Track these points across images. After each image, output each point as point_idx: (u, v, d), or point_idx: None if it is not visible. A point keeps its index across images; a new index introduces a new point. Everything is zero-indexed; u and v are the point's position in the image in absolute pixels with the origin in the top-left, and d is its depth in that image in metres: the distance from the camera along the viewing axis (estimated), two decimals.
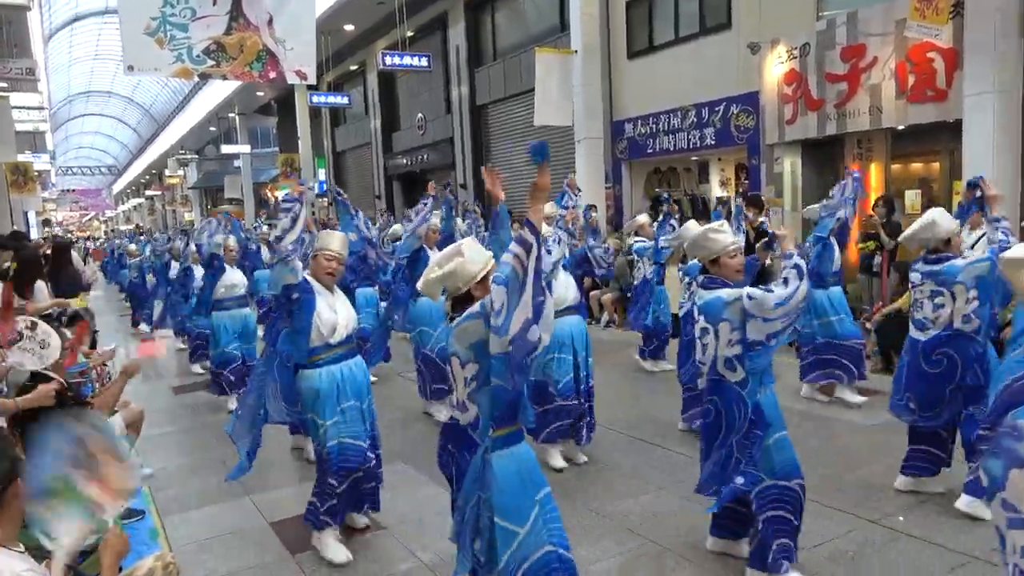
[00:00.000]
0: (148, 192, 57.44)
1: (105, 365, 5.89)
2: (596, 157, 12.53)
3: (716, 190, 12.92)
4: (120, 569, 2.64)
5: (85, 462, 2.23)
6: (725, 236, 3.23)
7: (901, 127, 8.84)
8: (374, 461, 3.88)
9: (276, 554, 3.81)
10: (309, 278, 3.69)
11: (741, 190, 11.88)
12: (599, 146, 12.57)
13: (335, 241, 3.81)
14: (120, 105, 48.84)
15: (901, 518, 3.80)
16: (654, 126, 12.24)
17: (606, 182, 12.89)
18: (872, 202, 8.53)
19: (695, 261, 3.91)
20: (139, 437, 5.04)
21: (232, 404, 6.47)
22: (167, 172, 45.52)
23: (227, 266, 6.73)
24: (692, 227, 5.29)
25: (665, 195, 6.88)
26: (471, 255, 2.56)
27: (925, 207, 9.30)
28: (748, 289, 3.05)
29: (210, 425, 6.34)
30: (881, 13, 8.52)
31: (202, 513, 4.39)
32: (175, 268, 9.46)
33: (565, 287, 4.79)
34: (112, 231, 59.91)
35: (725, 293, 3.09)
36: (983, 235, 6.25)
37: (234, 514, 4.36)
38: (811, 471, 3.44)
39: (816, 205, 5.83)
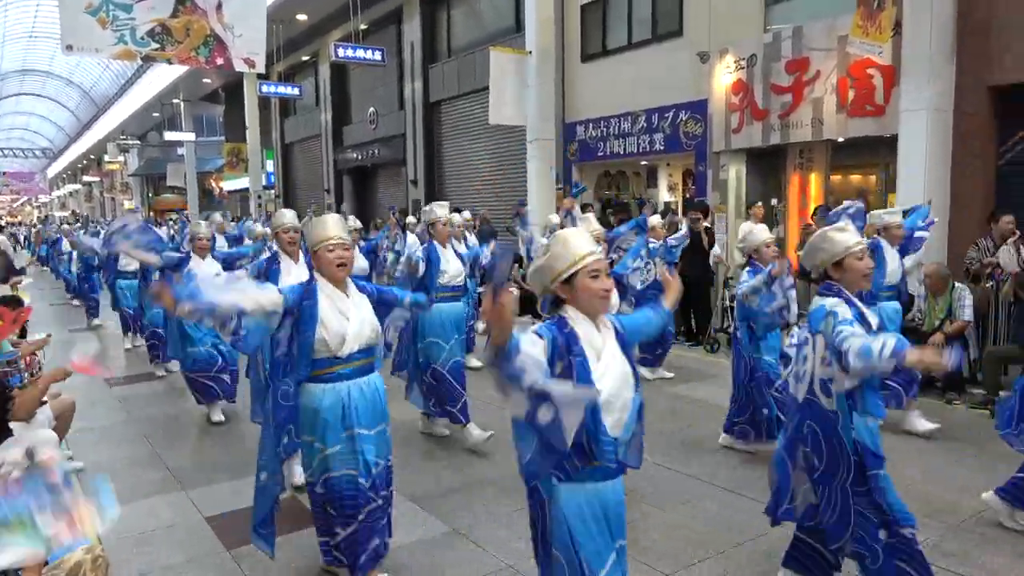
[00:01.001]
0: (86, 178, 55.45)
1: (35, 355, 5.68)
2: (548, 158, 12.61)
3: (664, 195, 13.15)
4: (47, 562, 2.56)
5: (57, 508, 2.21)
6: (849, 236, 2.78)
7: (841, 139, 9.15)
8: (379, 503, 3.17)
9: (210, 548, 3.74)
10: (316, 279, 3.10)
11: (688, 195, 12.14)
12: (551, 147, 12.66)
13: (336, 227, 3.13)
14: (58, 86, 47.05)
15: None
16: (605, 129, 12.39)
17: (557, 183, 12.98)
18: (811, 211, 8.83)
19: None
20: (70, 429, 4.90)
21: (216, 415, 5.92)
22: (107, 157, 44.02)
23: (196, 256, 5.89)
24: (751, 229, 5.09)
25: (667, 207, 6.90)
26: (556, 248, 2.18)
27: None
28: (842, 311, 2.64)
29: (145, 418, 6.18)
30: (825, 29, 8.81)
31: (136, 507, 4.27)
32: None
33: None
34: (46, 217, 57.60)
35: (829, 302, 2.70)
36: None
37: (169, 509, 4.25)
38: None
39: (881, 211, 5.57)
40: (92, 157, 51.67)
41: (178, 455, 5.19)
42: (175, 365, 7.56)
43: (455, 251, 5.47)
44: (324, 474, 3.08)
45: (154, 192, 44.91)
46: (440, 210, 5.33)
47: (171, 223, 15.92)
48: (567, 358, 2.09)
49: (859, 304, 2.78)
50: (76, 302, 13.39)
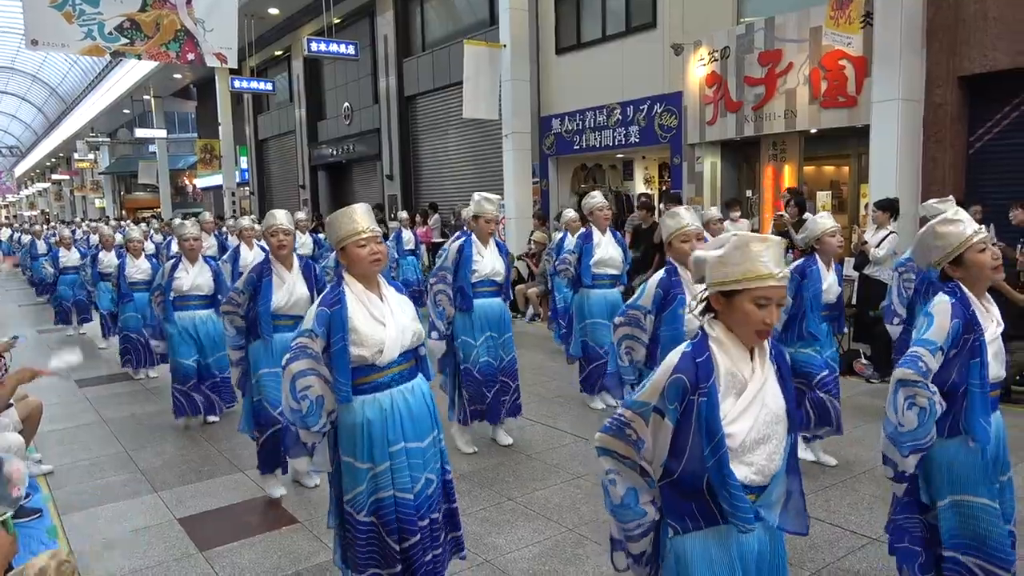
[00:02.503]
0: (55, 176, 54.47)
1: (2, 357, 5.55)
2: (523, 152, 12.59)
3: (640, 187, 13.18)
4: (10, 567, 2.49)
5: None
6: (964, 226, 2.45)
7: (814, 131, 9.21)
8: (439, 520, 2.81)
9: (183, 551, 3.67)
10: (345, 281, 2.70)
11: (664, 188, 12.18)
12: (526, 141, 12.64)
13: (365, 218, 2.71)
14: (24, 83, 46.09)
15: None
16: (581, 123, 12.38)
17: (533, 177, 12.96)
18: (784, 201, 8.87)
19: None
20: (37, 432, 4.80)
21: (182, 422, 5.66)
22: (76, 155, 43.24)
23: (186, 261, 5.57)
24: (820, 220, 4.42)
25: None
26: (734, 253, 1.83)
27: (836, 208, 9.79)
28: (940, 321, 2.40)
29: (115, 419, 6.06)
30: (796, 21, 8.85)
31: (105, 510, 4.18)
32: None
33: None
34: (14, 217, 56.47)
35: (939, 306, 2.42)
36: (889, 233, 6.62)
37: (140, 511, 4.17)
38: None
39: (934, 201, 4.98)
40: (61, 155, 50.76)
41: (149, 456, 5.10)
42: (155, 371, 7.49)
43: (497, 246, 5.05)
44: (374, 496, 2.67)
45: (126, 190, 44.23)
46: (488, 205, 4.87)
47: (152, 228, 15.55)
48: (689, 398, 1.77)
49: (979, 305, 2.45)
50: (43, 300, 13.17)
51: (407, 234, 11.14)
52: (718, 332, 1.83)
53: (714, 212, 6.65)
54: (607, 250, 5.74)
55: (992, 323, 2.44)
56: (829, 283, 4.31)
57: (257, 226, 7.51)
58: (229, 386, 5.51)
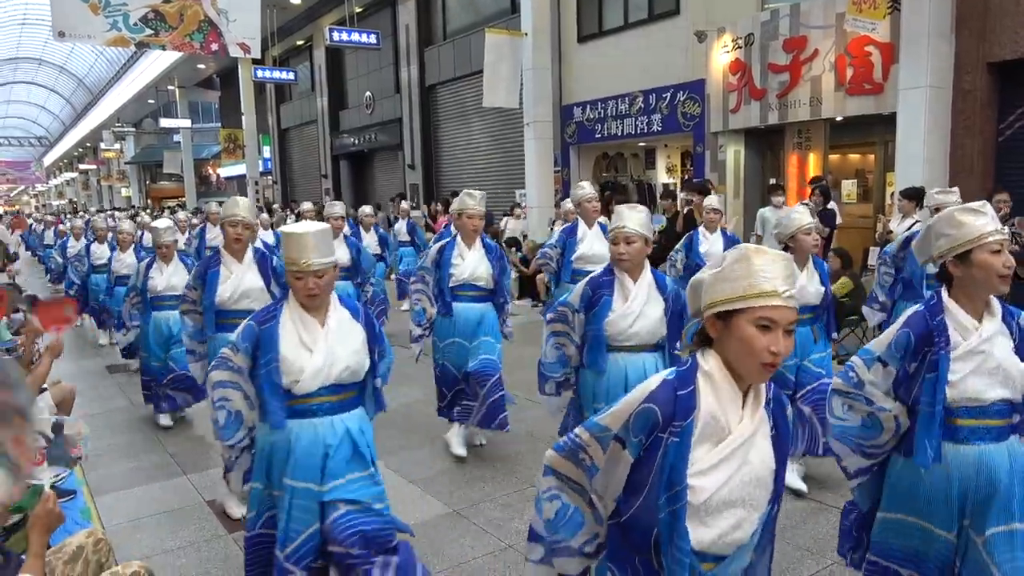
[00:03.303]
0: (82, 166, 55.24)
1: (34, 343, 5.68)
2: (545, 140, 12.57)
3: (663, 176, 13.11)
4: (48, 546, 2.57)
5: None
6: (986, 220, 2.11)
7: (839, 118, 9.11)
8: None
9: (212, 532, 3.76)
10: (287, 299, 2.59)
11: (686, 176, 12.11)
12: (548, 129, 12.61)
13: (312, 249, 2.48)
14: (52, 74, 46.76)
15: None
16: (602, 111, 12.32)
17: (555, 166, 12.94)
18: (809, 191, 8.79)
19: None
20: (70, 415, 4.91)
21: (164, 420, 5.47)
22: (103, 145, 43.83)
23: (231, 259, 5.05)
24: (796, 216, 3.90)
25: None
26: (735, 268, 1.55)
27: (861, 197, 9.68)
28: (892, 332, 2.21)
29: (144, 405, 6.18)
30: (822, 6, 8.74)
31: (136, 492, 4.29)
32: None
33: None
34: (44, 206, 57.43)
35: (903, 315, 2.23)
36: (915, 222, 6.55)
37: (169, 493, 4.27)
38: None
39: (936, 191, 5.01)
40: (88, 145, 51.45)
41: (177, 440, 5.21)
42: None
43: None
44: (268, 512, 2.60)
45: (151, 180, 44.76)
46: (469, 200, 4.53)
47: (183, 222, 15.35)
48: (658, 435, 1.51)
49: (961, 314, 2.14)
50: (60, 287, 13.37)
51: (400, 224, 10.46)
52: (711, 365, 1.54)
53: (713, 200, 6.25)
54: (592, 245, 5.33)
55: (975, 336, 2.11)
56: (802, 284, 3.85)
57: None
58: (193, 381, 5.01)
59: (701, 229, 6.04)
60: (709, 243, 5.88)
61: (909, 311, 2.22)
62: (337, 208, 7.13)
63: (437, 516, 3.85)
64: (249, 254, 4.07)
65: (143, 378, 5.60)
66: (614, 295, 3.15)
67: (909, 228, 6.53)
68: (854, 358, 2.27)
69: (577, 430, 1.67)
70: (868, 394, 2.22)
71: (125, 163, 44.24)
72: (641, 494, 1.55)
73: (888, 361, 2.18)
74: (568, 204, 7.36)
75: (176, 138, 34.17)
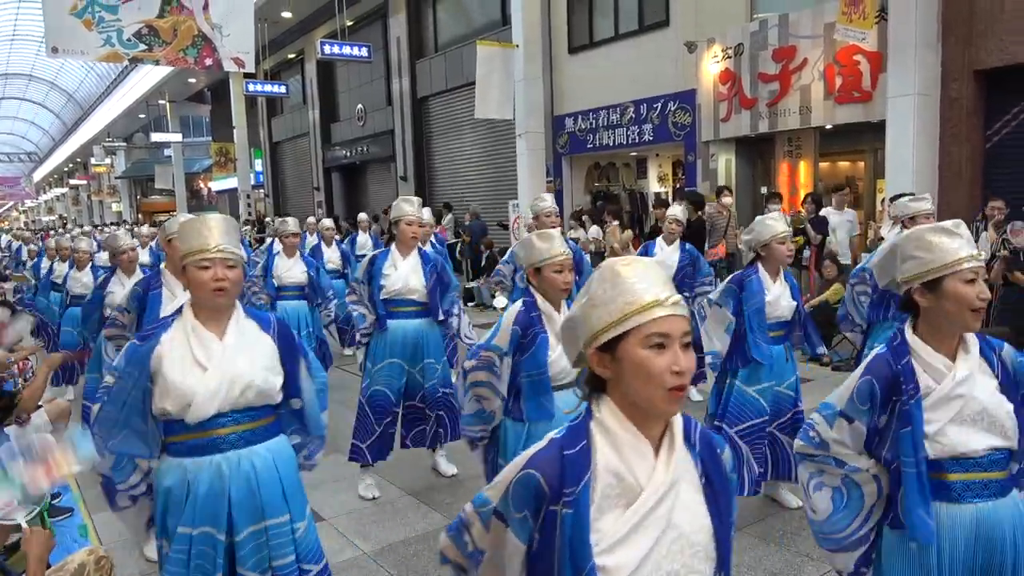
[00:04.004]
0: (72, 181, 55.04)
1: (27, 360, 5.66)
2: (537, 151, 12.63)
3: (654, 185, 13.18)
4: (49, 565, 2.57)
5: (30, 457, 2.23)
6: (961, 244, 1.82)
7: (829, 126, 9.19)
8: None
9: None
10: (182, 310, 2.19)
11: (678, 185, 12.19)
12: (540, 140, 12.67)
13: (219, 233, 2.14)
14: (42, 89, 46.72)
15: None
16: (594, 121, 12.40)
17: (547, 176, 13.00)
18: (801, 199, 8.87)
19: None
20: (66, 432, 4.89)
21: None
22: (93, 160, 43.69)
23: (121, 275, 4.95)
24: (770, 223, 3.67)
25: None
26: (599, 289, 1.32)
27: (851, 204, 9.77)
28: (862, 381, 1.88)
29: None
30: (810, 16, 8.84)
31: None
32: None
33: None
34: (33, 222, 57.19)
35: (867, 359, 1.96)
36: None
37: None
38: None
39: (907, 199, 4.52)
40: (78, 160, 51.31)
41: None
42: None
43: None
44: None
45: (142, 194, 44.66)
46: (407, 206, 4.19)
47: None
48: (549, 508, 1.21)
49: (931, 355, 1.83)
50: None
51: (363, 237, 9.80)
52: (604, 412, 1.25)
53: (677, 211, 5.92)
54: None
55: (948, 379, 1.80)
56: (775, 295, 3.62)
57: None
58: None
59: (659, 240, 5.75)
60: (664, 255, 5.57)
61: (869, 357, 1.92)
62: (290, 224, 6.39)
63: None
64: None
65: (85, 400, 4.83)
66: (547, 331, 2.73)
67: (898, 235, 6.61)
68: (813, 414, 1.98)
69: (466, 505, 1.39)
70: (836, 454, 1.91)
71: (116, 178, 44.14)
72: None
73: (853, 416, 1.87)
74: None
75: (167, 152, 34.13)
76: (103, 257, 9.13)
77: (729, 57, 9.88)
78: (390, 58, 18.21)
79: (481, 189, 15.85)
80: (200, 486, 2.11)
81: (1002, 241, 6.28)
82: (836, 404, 1.91)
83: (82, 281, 6.76)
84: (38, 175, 65.09)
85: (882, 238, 6.72)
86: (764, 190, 10.46)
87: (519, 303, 2.79)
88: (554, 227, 5.07)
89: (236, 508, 2.14)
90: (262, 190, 27.10)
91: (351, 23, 18.17)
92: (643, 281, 1.23)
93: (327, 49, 15.18)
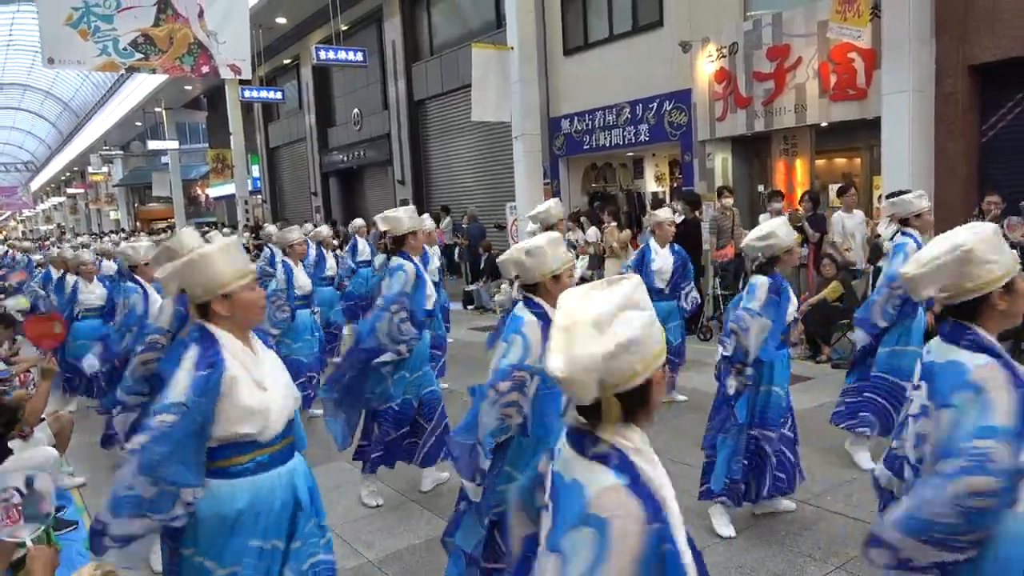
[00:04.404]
0: (70, 190, 55.08)
1: (29, 372, 5.68)
2: (534, 153, 12.64)
3: (651, 185, 13.20)
4: None
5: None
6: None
7: (824, 124, 9.21)
8: None
9: None
10: (216, 337, 2.18)
11: (675, 185, 12.20)
12: (536, 142, 12.69)
13: (242, 258, 2.25)
14: (37, 99, 46.70)
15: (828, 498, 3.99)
16: (590, 122, 12.42)
17: (544, 178, 13.01)
18: (798, 197, 8.89)
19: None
20: (69, 445, 4.90)
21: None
22: (90, 169, 43.74)
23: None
24: (771, 229, 3.68)
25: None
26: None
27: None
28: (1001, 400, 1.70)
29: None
30: (804, 15, 8.85)
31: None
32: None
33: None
34: (31, 231, 57.19)
35: (977, 367, 1.77)
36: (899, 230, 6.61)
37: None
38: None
39: (911, 196, 4.57)
40: (76, 169, 51.33)
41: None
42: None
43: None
44: None
45: (140, 202, 44.67)
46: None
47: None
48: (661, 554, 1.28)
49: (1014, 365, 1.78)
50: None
51: (362, 243, 9.61)
52: (634, 439, 1.37)
53: (664, 214, 5.88)
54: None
55: None
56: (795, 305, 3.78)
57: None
58: None
59: (652, 243, 5.66)
60: (660, 258, 5.62)
61: (984, 370, 1.76)
62: (296, 233, 6.46)
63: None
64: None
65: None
66: None
67: (894, 234, 6.62)
68: (978, 442, 1.66)
69: None
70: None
71: (113, 186, 44.15)
72: None
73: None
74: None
75: (164, 159, 34.15)
76: (111, 266, 9.16)
77: (724, 56, 9.90)
78: (385, 62, 18.23)
79: (478, 191, 15.87)
80: (276, 501, 2.19)
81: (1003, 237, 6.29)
82: (1002, 424, 1.67)
83: (96, 293, 6.73)
84: (35, 184, 65.08)
85: (879, 235, 6.75)
86: (761, 188, 10.48)
87: (531, 317, 2.63)
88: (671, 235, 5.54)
89: (301, 515, 2.25)
90: (260, 196, 27.11)
91: (346, 28, 18.19)
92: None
93: (322, 55, 15.21)
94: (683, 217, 8.42)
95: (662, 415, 5.55)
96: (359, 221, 10.50)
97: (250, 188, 26.05)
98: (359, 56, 15.79)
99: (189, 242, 3.27)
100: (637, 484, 1.28)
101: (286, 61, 23.10)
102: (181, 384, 2.06)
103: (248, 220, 23.70)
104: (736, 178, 10.56)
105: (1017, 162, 7.54)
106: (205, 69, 12.10)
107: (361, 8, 18.15)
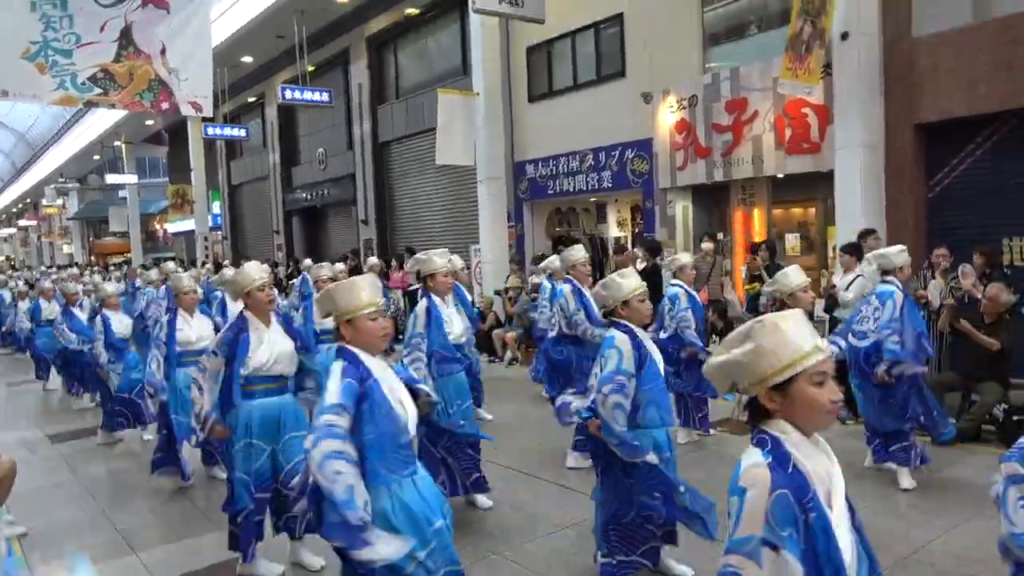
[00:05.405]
0: (22, 222, 53.71)
1: None
2: (498, 197, 12.75)
3: (614, 230, 13.40)
4: None
5: None
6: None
7: (780, 175, 9.49)
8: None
9: None
10: (358, 355, 2.71)
11: (637, 231, 12.40)
12: (501, 186, 12.80)
13: (374, 291, 2.75)
14: None
15: None
16: (554, 168, 12.61)
17: (508, 221, 13.12)
18: (752, 247, 9.09)
19: None
20: (11, 492, 4.70)
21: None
22: (44, 201, 42.74)
23: (184, 313, 5.40)
24: (792, 275, 4.58)
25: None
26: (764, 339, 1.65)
27: (805, 249, 10.05)
28: None
29: (90, 477, 5.96)
30: (760, 70, 9.18)
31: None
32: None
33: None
34: None
35: None
36: (856, 277, 6.81)
37: (121, 574, 4.10)
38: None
39: (893, 250, 5.10)
40: (28, 200, 50.13)
41: (128, 515, 5.02)
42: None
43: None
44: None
45: (95, 236, 43.72)
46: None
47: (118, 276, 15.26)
48: (801, 520, 1.51)
49: None
50: (19, 355, 12.86)
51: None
52: (789, 433, 1.59)
53: (685, 258, 6.32)
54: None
55: None
56: None
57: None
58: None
59: (686, 286, 6.03)
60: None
61: None
62: (325, 270, 7.15)
63: None
64: (274, 317, 3.93)
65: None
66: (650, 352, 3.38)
67: (851, 282, 6.81)
68: None
69: (723, 559, 1.55)
70: None
71: (68, 219, 43.20)
72: None
73: None
74: (556, 263, 7.11)
75: (122, 194, 33.59)
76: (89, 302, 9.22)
77: (684, 108, 10.19)
78: (351, 103, 18.32)
79: (443, 233, 15.90)
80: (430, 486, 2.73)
81: (950, 288, 6.52)
82: None
83: (124, 323, 7.10)
84: None
85: (834, 286, 6.92)
86: (720, 236, 10.71)
87: (621, 335, 3.34)
88: (588, 275, 5.77)
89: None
90: (220, 232, 26.76)
91: (312, 68, 18.27)
92: (801, 332, 1.59)
93: (288, 94, 15.24)
94: (643, 264, 8.55)
95: None
96: (308, 261, 10.80)
97: (210, 224, 25.72)
98: (325, 96, 15.86)
99: (253, 273, 3.89)
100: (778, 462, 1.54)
101: (251, 99, 23.05)
102: (335, 390, 2.54)
103: (207, 256, 23.34)
104: (696, 225, 10.78)
105: (964, 216, 7.85)
106: (165, 105, 11.98)
107: (328, 50, 18.27)
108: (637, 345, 3.32)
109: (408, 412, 2.63)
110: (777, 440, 1.58)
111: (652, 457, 3.24)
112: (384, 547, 2.39)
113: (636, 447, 3.22)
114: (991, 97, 7.28)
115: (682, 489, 3.26)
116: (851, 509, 1.62)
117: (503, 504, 4.85)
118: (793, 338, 1.57)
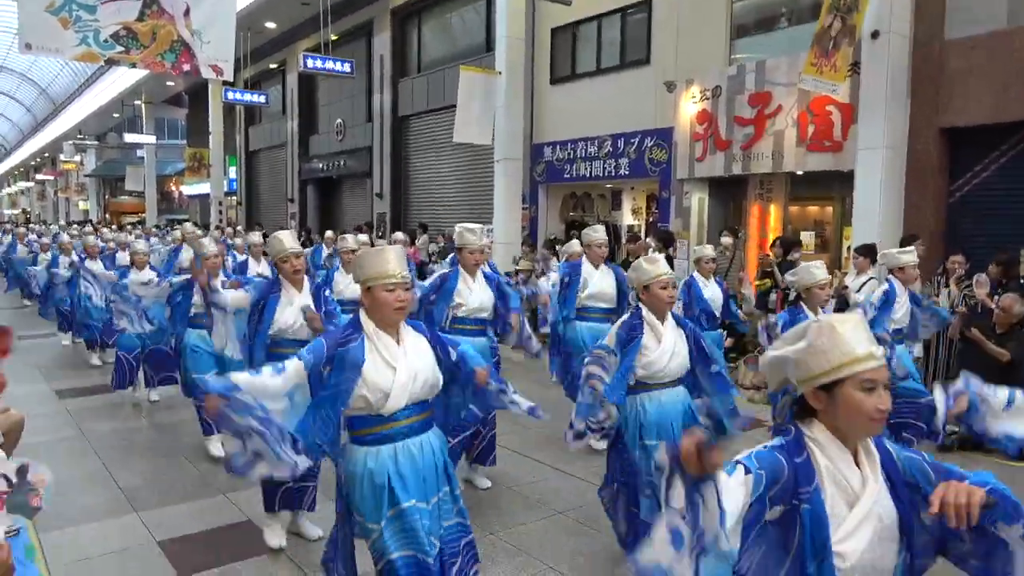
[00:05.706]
0: (39, 176, 54.00)
1: None
2: (514, 178, 12.70)
3: (628, 218, 13.33)
4: None
5: None
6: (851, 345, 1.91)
7: (800, 172, 9.40)
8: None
9: (162, 573, 3.66)
10: (361, 319, 2.63)
11: (651, 220, 12.33)
12: (518, 167, 12.75)
13: (398, 262, 2.62)
14: (13, 81, 45.79)
15: None
16: (572, 152, 12.53)
17: (523, 203, 13.07)
18: (770, 242, 9.03)
19: None
20: (17, 446, 4.76)
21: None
22: (62, 156, 42.97)
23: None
24: (814, 270, 4.55)
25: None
26: (819, 339, 1.62)
27: (819, 247, 9.97)
28: None
29: (96, 434, 6.02)
30: (787, 64, 9.05)
31: (85, 530, 4.17)
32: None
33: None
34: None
35: None
36: (869, 279, 6.77)
37: (120, 532, 4.15)
38: None
39: (895, 251, 5.31)
40: (47, 155, 50.37)
41: (131, 474, 5.07)
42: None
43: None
44: (382, 559, 2.53)
45: (111, 194, 43.94)
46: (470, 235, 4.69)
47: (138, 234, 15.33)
48: (790, 502, 1.57)
49: None
50: (27, 302, 13.02)
51: (326, 252, 10.25)
52: (817, 432, 1.62)
53: (708, 250, 6.41)
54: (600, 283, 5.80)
55: None
56: None
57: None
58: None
59: (697, 276, 6.25)
60: (709, 290, 6.20)
61: None
62: (349, 241, 6.86)
63: None
64: (307, 284, 4.04)
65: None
66: (644, 335, 3.43)
67: (863, 284, 6.76)
68: None
69: None
70: None
71: (85, 176, 43.39)
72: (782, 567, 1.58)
73: None
74: (576, 246, 7.17)
75: (140, 153, 33.68)
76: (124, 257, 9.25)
77: (707, 99, 10.07)
78: (372, 75, 18.23)
79: (457, 211, 15.86)
80: (402, 463, 2.60)
81: (963, 296, 6.47)
82: None
83: (146, 275, 7.03)
84: (3, 168, 63.71)
85: (846, 287, 6.87)
86: (740, 231, 10.62)
87: (627, 317, 3.48)
88: (603, 255, 5.79)
89: (422, 479, 2.64)
90: (235, 197, 26.83)
91: (335, 38, 18.18)
92: (856, 337, 1.58)
93: (310, 63, 15.16)
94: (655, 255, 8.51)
95: None
96: (329, 234, 10.86)
97: (226, 189, 25.79)
98: (346, 67, 15.77)
99: (285, 242, 3.99)
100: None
101: (272, 65, 22.98)
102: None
103: (221, 221, 23.43)
104: (711, 218, 10.71)
105: (983, 223, 7.77)
106: (186, 67, 11.96)
107: (352, 20, 18.16)
108: (631, 326, 3.40)
109: (399, 380, 2.52)
110: (801, 433, 1.63)
111: (602, 415, 3.38)
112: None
113: (584, 406, 3.41)
114: (1021, 104, 7.17)
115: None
116: (904, 523, 1.61)
117: (501, 485, 4.88)
118: (848, 341, 1.57)
